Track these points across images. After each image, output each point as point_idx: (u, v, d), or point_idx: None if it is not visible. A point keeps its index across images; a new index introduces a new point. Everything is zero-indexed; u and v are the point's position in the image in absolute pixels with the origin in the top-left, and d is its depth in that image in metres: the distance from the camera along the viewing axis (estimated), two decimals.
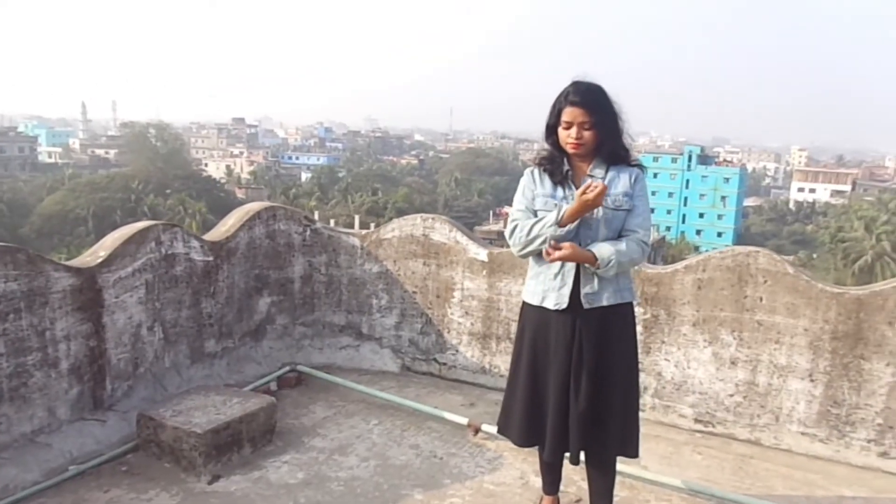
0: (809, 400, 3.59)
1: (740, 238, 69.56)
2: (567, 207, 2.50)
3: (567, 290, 2.54)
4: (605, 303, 2.56)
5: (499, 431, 2.90)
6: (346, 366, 4.68)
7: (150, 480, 3.19)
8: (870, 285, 3.52)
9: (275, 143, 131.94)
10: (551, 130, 2.59)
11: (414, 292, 4.52)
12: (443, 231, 4.40)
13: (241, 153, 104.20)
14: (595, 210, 2.52)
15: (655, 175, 78.66)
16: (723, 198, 75.99)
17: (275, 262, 4.55)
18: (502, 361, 4.31)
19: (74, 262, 3.44)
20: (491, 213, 63.15)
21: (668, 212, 77.18)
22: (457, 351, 4.45)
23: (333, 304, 4.72)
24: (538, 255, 2.59)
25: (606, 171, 2.56)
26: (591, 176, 2.56)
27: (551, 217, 2.52)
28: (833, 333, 3.50)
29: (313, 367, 4.48)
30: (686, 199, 77.63)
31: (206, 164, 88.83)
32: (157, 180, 55.50)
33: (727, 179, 76.39)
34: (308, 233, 4.65)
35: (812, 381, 3.58)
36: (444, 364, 4.50)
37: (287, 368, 4.37)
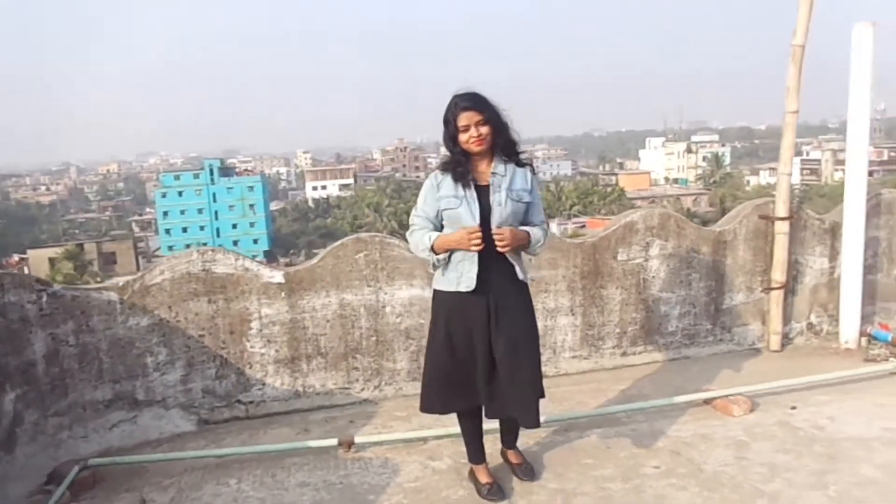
0: (573, 329, 4.60)
1: (274, 241, 73.50)
2: (439, 238, 2.90)
3: (473, 274, 2.91)
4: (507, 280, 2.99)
5: (423, 410, 3.11)
6: (127, 445, 3.92)
7: None
8: (597, 232, 4.68)
9: None
10: (454, 140, 2.89)
11: (201, 336, 4.05)
12: (227, 262, 4.05)
13: None
14: (502, 201, 2.90)
15: (181, 193, 77.03)
16: (251, 206, 78.60)
17: (11, 344, 3.52)
18: (317, 380, 4.26)
19: None
20: None
21: (202, 228, 76.55)
22: (264, 384, 4.18)
23: (93, 377, 3.88)
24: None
25: (506, 169, 2.96)
26: (495, 173, 2.93)
27: (426, 242, 2.92)
28: (582, 274, 4.55)
29: (91, 458, 3.64)
30: (216, 212, 77.97)
31: None
32: None
33: (251, 188, 79.16)
34: (45, 300, 3.71)
35: (573, 314, 4.58)
36: (251, 402, 4.18)
37: (77, 469, 3.46)
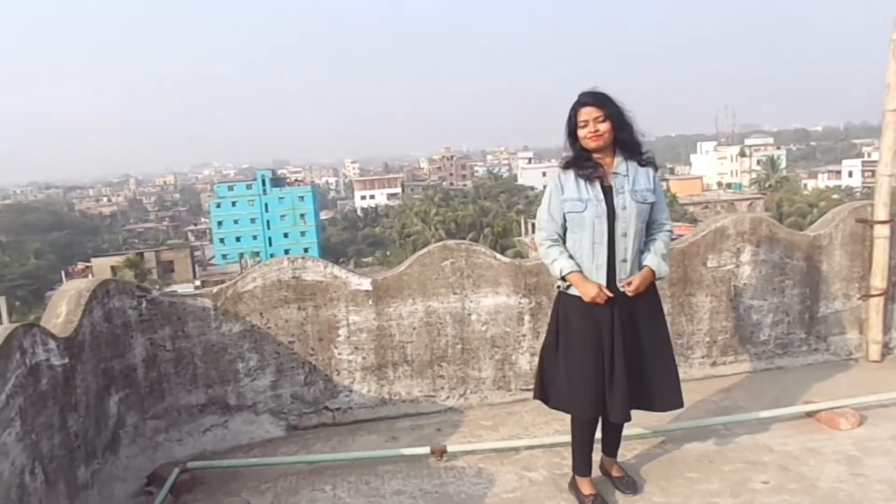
0: None
1: (324, 250, 74.35)
2: (576, 277, 2.92)
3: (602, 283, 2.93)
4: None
5: (559, 408, 3.11)
6: (219, 449, 3.98)
7: None
8: (686, 237, 4.55)
9: None
10: (574, 137, 2.89)
11: (290, 342, 4.08)
12: (316, 269, 4.08)
13: None
14: (626, 204, 2.87)
15: (234, 203, 78.74)
16: (302, 215, 79.76)
17: (115, 349, 3.61)
18: (402, 387, 4.24)
19: None
20: (63, 273, 55.09)
21: (255, 237, 78.04)
22: (351, 391, 4.18)
23: (187, 382, 3.95)
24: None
25: (628, 169, 2.91)
26: (617, 174, 2.90)
27: (556, 271, 2.97)
28: (670, 281, 4.42)
29: (188, 461, 3.70)
30: (269, 222, 79.43)
31: None
32: None
33: (302, 198, 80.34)
34: (144, 305, 3.80)
35: None
36: (338, 409, 4.19)
37: (177, 471, 3.53)
